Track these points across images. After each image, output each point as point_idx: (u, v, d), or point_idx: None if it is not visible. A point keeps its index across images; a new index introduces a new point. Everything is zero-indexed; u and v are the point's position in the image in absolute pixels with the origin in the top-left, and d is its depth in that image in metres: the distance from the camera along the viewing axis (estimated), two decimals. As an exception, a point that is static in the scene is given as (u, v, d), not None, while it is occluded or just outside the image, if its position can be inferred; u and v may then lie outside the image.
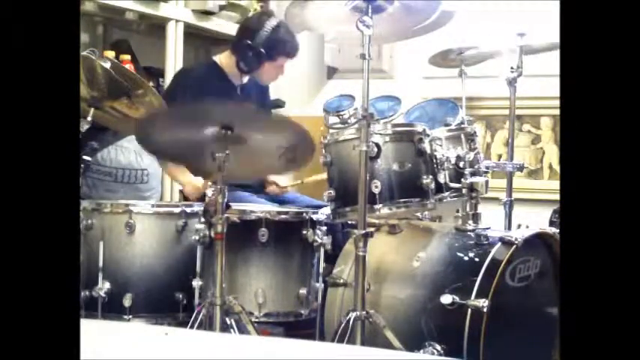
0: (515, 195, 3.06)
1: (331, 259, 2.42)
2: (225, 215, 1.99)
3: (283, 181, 3.09)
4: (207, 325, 2.03)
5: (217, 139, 1.95)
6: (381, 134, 2.24)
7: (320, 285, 2.39)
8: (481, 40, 3.19)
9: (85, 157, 2.37)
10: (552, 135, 4.00)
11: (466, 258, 2.22)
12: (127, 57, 3.30)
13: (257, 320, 2.26)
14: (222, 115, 1.97)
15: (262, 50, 2.88)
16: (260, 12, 3.02)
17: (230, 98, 3.01)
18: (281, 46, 2.91)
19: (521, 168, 2.98)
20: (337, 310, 2.32)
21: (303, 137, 1.99)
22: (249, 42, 2.88)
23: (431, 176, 2.27)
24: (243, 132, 1.97)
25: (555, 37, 2.72)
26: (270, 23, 2.90)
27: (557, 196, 3.39)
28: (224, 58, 3.03)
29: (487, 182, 2.32)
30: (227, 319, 2.04)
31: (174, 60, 3.47)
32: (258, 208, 2.44)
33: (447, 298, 2.08)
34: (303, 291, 2.34)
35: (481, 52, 3.17)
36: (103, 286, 2.30)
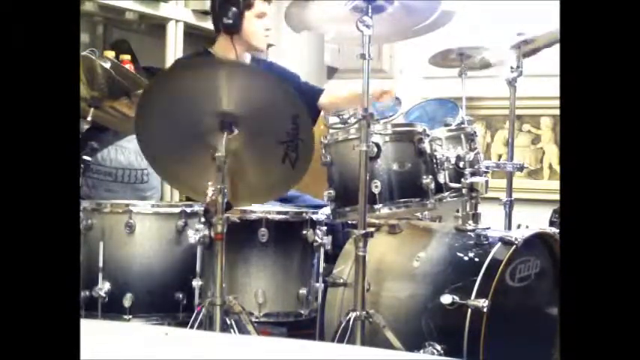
0: (515, 195, 3.05)
1: (331, 259, 2.42)
2: (226, 215, 1.99)
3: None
4: (207, 325, 2.03)
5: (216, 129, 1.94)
6: (381, 134, 2.24)
7: (320, 285, 2.39)
8: (481, 39, 3.19)
9: (85, 157, 2.37)
10: (552, 135, 4.00)
11: (466, 258, 2.22)
12: (127, 57, 3.30)
13: (257, 320, 2.26)
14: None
15: None
16: None
17: None
18: None
19: (521, 168, 2.98)
20: (337, 310, 2.32)
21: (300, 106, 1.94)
22: None
23: (431, 176, 2.27)
24: (240, 121, 1.95)
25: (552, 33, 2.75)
26: None
27: (557, 196, 3.39)
28: (217, 47, 3.03)
29: (487, 182, 2.32)
30: (227, 319, 2.04)
31: (174, 60, 3.47)
32: (258, 208, 2.44)
33: (447, 298, 2.08)
34: (303, 291, 2.34)
35: (484, 61, 3.17)
36: (103, 286, 2.30)
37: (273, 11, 3.06)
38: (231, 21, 2.95)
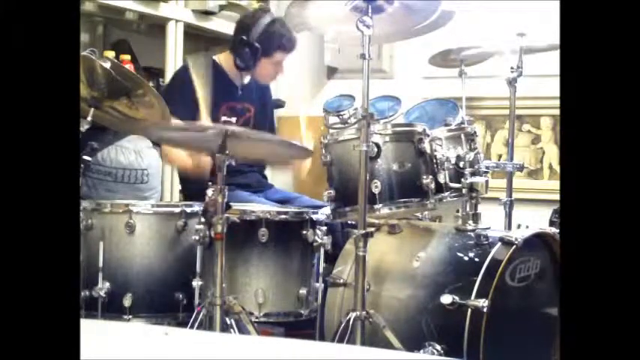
0: (515, 195, 3.05)
1: (331, 259, 2.42)
2: (225, 215, 1.99)
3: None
4: (207, 325, 2.03)
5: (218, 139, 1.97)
6: (381, 134, 2.24)
7: (320, 285, 2.39)
8: (481, 40, 3.19)
9: (85, 157, 2.37)
10: (552, 135, 4.00)
11: (466, 258, 2.22)
12: (127, 57, 3.31)
13: (257, 320, 2.26)
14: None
15: (257, 45, 2.88)
16: (256, 8, 3.01)
17: (231, 98, 3.00)
18: (276, 40, 2.90)
19: (521, 168, 2.98)
20: (337, 310, 2.32)
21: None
22: (245, 38, 2.88)
23: (431, 176, 2.27)
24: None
25: (555, 38, 2.75)
26: (265, 19, 2.90)
27: (557, 196, 3.39)
28: (224, 58, 3.02)
29: (487, 182, 2.32)
30: (227, 319, 2.04)
31: (174, 60, 3.47)
32: (258, 208, 2.44)
33: (447, 298, 2.07)
34: (303, 291, 2.34)
35: (482, 52, 3.17)
36: (103, 286, 2.30)
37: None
38: (242, 65, 2.93)
